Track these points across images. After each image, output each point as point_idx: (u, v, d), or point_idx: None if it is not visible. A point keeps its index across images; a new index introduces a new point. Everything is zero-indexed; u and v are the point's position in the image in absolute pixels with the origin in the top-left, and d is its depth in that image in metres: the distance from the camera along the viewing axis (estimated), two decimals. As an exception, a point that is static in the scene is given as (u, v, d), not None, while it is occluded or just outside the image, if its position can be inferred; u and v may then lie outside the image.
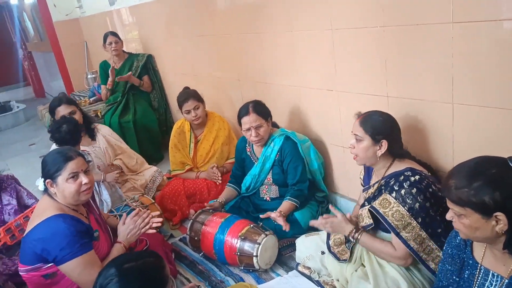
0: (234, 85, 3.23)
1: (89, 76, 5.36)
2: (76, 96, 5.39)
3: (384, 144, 1.75)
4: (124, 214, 2.04)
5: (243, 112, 2.43)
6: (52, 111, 2.94)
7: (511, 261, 1.19)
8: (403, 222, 1.65)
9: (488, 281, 1.25)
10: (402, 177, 1.71)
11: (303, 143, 2.52)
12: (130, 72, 3.98)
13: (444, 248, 1.44)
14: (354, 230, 1.84)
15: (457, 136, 1.79)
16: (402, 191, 1.67)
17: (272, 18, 2.59)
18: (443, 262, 1.43)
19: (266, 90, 2.87)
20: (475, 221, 1.14)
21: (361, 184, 2.07)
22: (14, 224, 2.32)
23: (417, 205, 1.64)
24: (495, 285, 1.22)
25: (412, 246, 1.65)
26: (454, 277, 1.37)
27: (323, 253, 2.06)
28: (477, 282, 1.27)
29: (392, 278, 1.74)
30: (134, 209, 2.19)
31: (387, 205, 1.70)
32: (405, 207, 1.65)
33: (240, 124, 2.46)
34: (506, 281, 1.19)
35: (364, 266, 1.87)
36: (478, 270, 1.28)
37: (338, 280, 1.96)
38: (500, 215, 1.11)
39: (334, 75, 2.31)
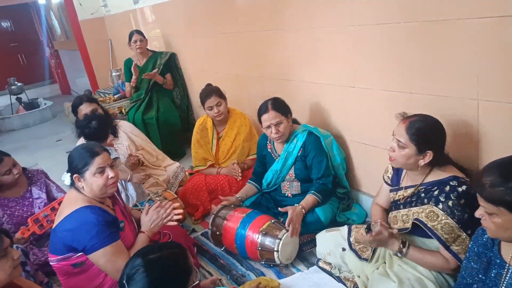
0: (255, 82, 3.26)
1: (113, 74, 5.46)
2: (101, 93, 5.51)
3: (429, 155, 1.66)
4: (147, 205, 2.08)
5: (262, 110, 2.45)
6: (74, 109, 3.04)
7: None
8: (453, 235, 1.61)
9: (516, 281, 1.23)
10: (448, 187, 1.63)
11: (326, 138, 2.52)
12: (156, 69, 4.04)
13: (470, 245, 1.43)
14: (401, 245, 1.73)
15: (483, 133, 1.77)
16: (450, 202, 1.60)
17: (294, 15, 2.59)
18: (468, 259, 1.41)
19: (287, 87, 2.88)
20: (507, 221, 1.13)
21: (385, 182, 2.03)
22: (41, 214, 2.41)
23: (466, 216, 1.58)
24: (523, 285, 1.21)
25: (463, 259, 1.56)
26: (480, 276, 1.35)
27: (344, 249, 2.06)
28: (505, 282, 1.26)
29: (416, 277, 1.71)
30: (157, 203, 2.24)
31: (435, 218, 1.64)
32: (454, 219, 1.59)
33: (260, 122, 2.48)
34: (533, 280, 1.18)
35: (385, 263, 1.86)
36: (506, 270, 1.26)
37: (359, 277, 1.96)
38: None
39: (355, 71, 2.30)
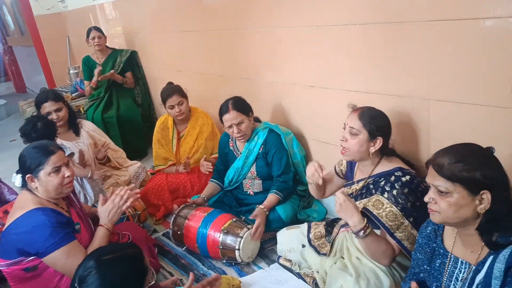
0: (219, 81, 3.25)
1: (71, 71, 5.28)
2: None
3: (379, 141, 1.74)
4: (101, 196, 2.00)
5: (223, 110, 2.45)
6: (38, 105, 2.92)
7: (478, 248, 1.25)
8: (397, 223, 1.67)
9: (457, 269, 1.30)
10: (393, 177, 1.72)
11: (286, 135, 2.56)
12: (113, 71, 3.95)
13: (417, 237, 1.49)
14: (366, 221, 1.65)
15: (433, 131, 1.85)
16: (394, 191, 1.68)
17: (257, 15, 2.61)
18: (415, 251, 1.48)
19: (250, 86, 2.90)
20: (461, 199, 1.19)
21: (336, 173, 2.11)
22: (-7, 218, 2.29)
23: (408, 204, 1.66)
24: (464, 272, 1.28)
25: (405, 245, 1.67)
26: (425, 266, 1.42)
27: (303, 246, 2.10)
28: (448, 270, 1.32)
29: (372, 269, 1.77)
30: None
31: (380, 206, 1.71)
32: (398, 207, 1.67)
33: (222, 121, 2.48)
34: (474, 267, 1.24)
35: (343, 259, 1.91)
36: (448, 258, 1.33)
37: (318, 272, 2.00)
38: (485, 193, 1.16)
39: (316, 71, 2.34)
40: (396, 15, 1.81)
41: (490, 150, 1.24)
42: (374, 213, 1.73)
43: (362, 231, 1.64)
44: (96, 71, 3.95)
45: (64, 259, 1.71)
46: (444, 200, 1.22)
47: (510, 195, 1.20)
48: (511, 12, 1.43)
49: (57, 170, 1.80)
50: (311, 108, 2.48)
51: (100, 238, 1.87)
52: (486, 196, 1.17)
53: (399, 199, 1.67)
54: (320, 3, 2.16)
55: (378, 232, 1.78)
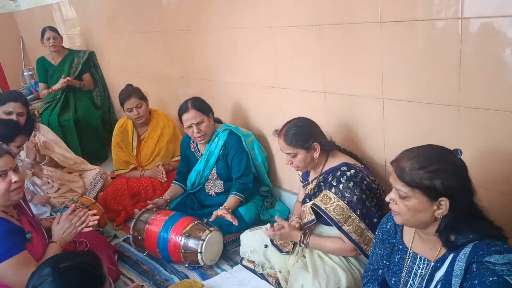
0: (179, 82, 3.21)
1: (25, 73, 5.06)
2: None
3: (317, 146, 1.82)
4: (59, 214, 1.95)
5: (182, 109, 2.42)
6: (4, 101, 2.80)
7: (437, 245, 1.27)
8: (344, 216, 1.72)
9: (416, 264, 1.32)
10: (339, 173, 1.78)
11: (247, 137, 2.55)
12: (69, 78, 3.81)
13: (376, 233, 1.53)
14: (302, 235, 1.87)
15: (388, 129, 1.90)
16: (340, 186, 1.74)
17: (214, 15, 2.59)
18: (374, 246, 1.51)
19: (210, 87, 2.87)
20: (419, 204, 1.20)
21: (300, 180, 2.12)
22: None
23: (354, 197, 1.71)
24: (423, 267, 1.30)
25: (354, 238, 1.73)
26: (384, 261, 1.44)
27: (266, 246, 2.10)
28: (407, 266, 1.35)
29: (331, 266, 1.81)
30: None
31: (328, 201, 1.77)
32: (345, 201, 1.72)
33: (181, 121, 2.44)
34: (432, 264, 1.27)
35: (305, 257, 1.93)
36: (407, 254, 1.35)
37: (280, 272, 2.01)
38: (444, 200, 1.17)
39: (274, 72, 2.36)
40: (350, 17, 1.84)
41: (455, 154, 1.23)
42: (322, 208, 1.78)
43: (301, 242, 1.85)
44: (61, 81, 3.79)
45: (11, 271, 1.63)
46: (403, 204, 1.23)
47: (471, 196, 1.21)
48: (459, 13, 1.48)
49: (2, 175, 1.71)
50: (272, 108, 2.49)
51: (51, 254, 1.78)
52: (445, 203, 1.18)
53: (345, 193, 1.73)
54: (276, 4, 2.17)
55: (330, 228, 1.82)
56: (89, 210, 2.08)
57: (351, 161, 1.85)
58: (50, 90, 3.91)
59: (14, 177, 1.73)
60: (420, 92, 1.70)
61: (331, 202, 1.76)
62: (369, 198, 1.75)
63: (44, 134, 3.10)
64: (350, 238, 1.73)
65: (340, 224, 1.73)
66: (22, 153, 2.76)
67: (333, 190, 1.76)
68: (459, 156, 1.23)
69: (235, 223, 2.25)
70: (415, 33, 1.64)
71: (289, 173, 2.61)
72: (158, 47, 3.28)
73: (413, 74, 1.70)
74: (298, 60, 2.18)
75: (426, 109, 1.70)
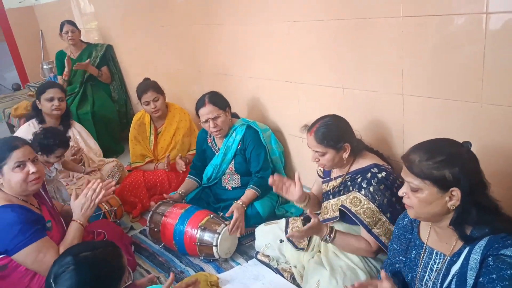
0: (195, 77, 3.22)
1: (44, 67, 5.13)
2: (31, 87, 5.17)
3: (347, 147, 1.76)
4: (74, 190, 1.95)
5: (200, 104, 2.43)
6: (43, 90, 2.90)
7: (453, 239, 1.27)
8: (374, 219, 1.69)
9: (432, 259, 1.32)
10: (369, 174, 1.73)
11: (264, 131, 2.55)
12: (88, 60, 3.87)
13: (393, 229, 1.52)
14: (328, 230, 1.78)
15: (407, 125, 1.88)
16: (371, 188, 1.70)
17: (231, 10, 2.59)
18: (391, 242, 1.51)
19: (226, 81, 2.88)
20: (431, 195, 1.21)
21: (319, 175, 2.10)
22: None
23: (385, 200, 1.68)
24: (438, 262, 1.30)
25: (383, 241, 1.70)
26: (400, 257, 1.44)
27: (281, 241, 2.10)
28: (423, 261, 1.35)
29: (348, 264, 1.79)
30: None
31: (358, 203, 1.73)
32: (375, 204, 1.69)
33: (198, 116, 2.45)
34: (448, 258, 1.27)
35: (320, 253, 1.92)
36: (423, 250, 1.35)
37: (295, 267, 2.01)
38: (455, 190, 1.18)
39: (291, 66, 2.35)
40: (370, 11, 1.82)
41: (465, 146, 1.24)
42: (352, 210, 1.74)
43: (327, 236, 1.75)
44: (66, 61, 3.84)
45: (35, 256, 1.67)
46: (415, 196, 1.25)
47: (483, 189, 1.21)
48: (484, 8, 1.45)
49: (20, 165, 1.74)
50: (288, 103, 2.48)
51: (73, 232, 1.82)
52: (456, 193, 1.19)
53: (376, 196, 1.69)
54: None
55: (357, 228, 1.80)
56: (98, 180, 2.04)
57: (380, 162, 1.80)
58: (64, 76, 3.95)
59: (32, 168, 1.75)
60: (441, 88, 1.68)
61: (361, 204, 1.71)
62: (398, 201, 1.72)
63: (81, 131, 3.19)
64: (380, 241, 1.70)
65: (370, 227, 1.70)
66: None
67: (363, 192, 1.72)
68: (469, 148, 1.24)
69: (238, 235, 2.27)
70: (438, 28, 1.61)
71: (306, 168, 2.60)
72: (173, 42, 3.30)
73: (434, 70, 1.67)
74: (316, 54, 2.16)
75: (447, 106, 1.68)
